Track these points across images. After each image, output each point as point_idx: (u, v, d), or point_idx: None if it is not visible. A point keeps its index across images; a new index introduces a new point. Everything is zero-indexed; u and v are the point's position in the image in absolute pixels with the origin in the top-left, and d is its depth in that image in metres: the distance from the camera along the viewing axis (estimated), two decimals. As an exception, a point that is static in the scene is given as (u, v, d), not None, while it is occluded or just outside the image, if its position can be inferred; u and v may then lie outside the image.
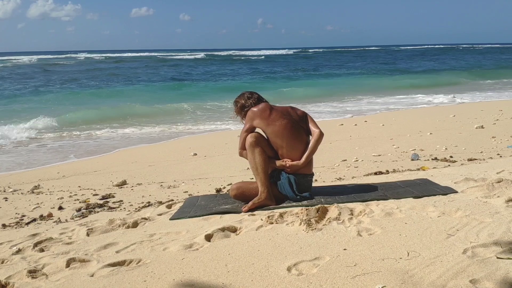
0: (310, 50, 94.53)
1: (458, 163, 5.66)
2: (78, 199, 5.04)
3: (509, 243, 2.34)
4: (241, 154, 3.78)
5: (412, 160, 6.09)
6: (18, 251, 2.98)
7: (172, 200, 4.53)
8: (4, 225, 4.11)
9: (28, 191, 5.60)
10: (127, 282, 2.29)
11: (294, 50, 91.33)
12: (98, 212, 4.39)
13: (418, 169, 5.23)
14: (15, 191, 5.66)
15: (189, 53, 75.29)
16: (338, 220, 2.96)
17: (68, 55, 78.52)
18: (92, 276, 2.41)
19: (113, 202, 4.81)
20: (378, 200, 3.43)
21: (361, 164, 6.04)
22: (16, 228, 4.00)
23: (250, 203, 3.52)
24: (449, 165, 5.48)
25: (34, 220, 4.27)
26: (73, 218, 4.22)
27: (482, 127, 8.63)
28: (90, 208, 4.54)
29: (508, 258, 2.14)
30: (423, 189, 3.69)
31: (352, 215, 3.06)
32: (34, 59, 55.20)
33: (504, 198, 3.13)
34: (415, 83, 21.77)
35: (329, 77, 28.32)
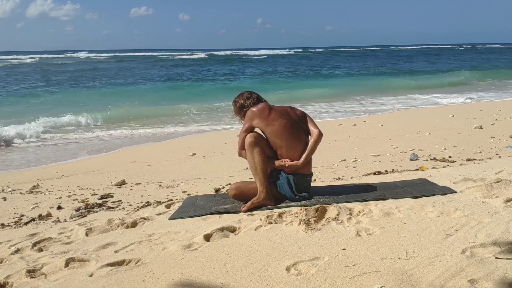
0: (311, 50, 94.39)
1: (457, 163, 5.66)
2: (77, 199, 5.03)
3: (508, 243, 2.34)
4: (240, 154, 3.78)
5: (411, 160, 6.09)
6: (17, 250, 2.98)
7: (171, 200, 4.53)
8: (2, 225, 4.10)
9: (27, 191, 5.59)
10: (126, 282, 2.29)
11: (295, 50, 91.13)
12: (97, 212, 4.39)
13: (417, 169, 5.24)
14: (13, 190, 5.65)
15: (190, 53, 75.20)
16: (337, 220, 2.96)
17: (68, 54, 78.48)
18: (91, 276, 2.41)
19: (112, 202, 4.80)
20: (377, 200, 3.43)
21: (360, 164, 6.04)
22: (15, 227, 3.99)
23: (249, 203, 3.52)
24: (448, 165, 5.48)
25: (33, 219, 4.26)
26: (72, 218, 4.22)
27: (481, 127, 8.64)
28: (89, 208, 4.54)
29: (507, 258, 2.14)
30: (422, 189, 3.69)
31: (351, 215, 3.06)
32: (36, 59, 55.10)
33: (502, 198, 3.14)
34: (428, 84, 21.59)
35: (337, 77, 28.22)
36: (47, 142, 10.09)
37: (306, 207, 3.16)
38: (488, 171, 4.30)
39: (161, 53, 77.87)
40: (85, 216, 4.23)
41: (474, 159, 5.81)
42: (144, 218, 3.58)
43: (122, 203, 4.75)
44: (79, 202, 4.89)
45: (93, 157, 8.24)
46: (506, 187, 3.37)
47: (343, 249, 2.46)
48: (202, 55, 64.24)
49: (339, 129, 9.74)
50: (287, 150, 3.66)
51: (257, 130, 3.74)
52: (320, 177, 5.30)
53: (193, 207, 3.75)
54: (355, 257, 2.34)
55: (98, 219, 3.78)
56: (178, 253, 2.64)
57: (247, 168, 5.62)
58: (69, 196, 5.21)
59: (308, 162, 3.70)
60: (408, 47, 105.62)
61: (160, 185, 5.58)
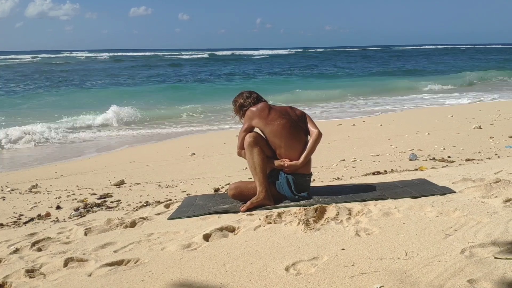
0: (311, 50, 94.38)
1: (456, 163, 5.66)
2: (76, 199, 5.03)
3: (507, 243, 2.34)
4: (239, 154, 3.78)
5: (410, 160, 6.09)
6: (16, 250, 2.98)
7: (170, 199, 4.53)
8: (1, 225, 4.10)
9: (26, 191, 5.59)
10: (125, 281, 2.28)
11: (296, 50, 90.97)
12: (96, 211, 4.39)
13: (416, 169, 5.24)
14: (12, 190, 5.64)
15: (192, 53, 75.16)
16: (336, 220, 2.96)
17: (66, 54, 78.47)
18: (90, 275, 2.41)
19: (111, 202, 4.80)
20: (376, 200, 3.43)
21: (359, 164, 6.04)
22: (13, 227, 3.99)
23: (248, 202, 3.52)
24: (447, 165, 5.48)
25: (32, 219, 4.26)
26: (71, 218, 4.22)
27: (480, 127, 8.64)
28: (88, 208, 4.53)
29: (506, 258, 2.14)
30: (421, 189, 3.69)
31: (350, 215, 3.06)
32: (39, 58, 55.07)
33: (502, 198, 3.14)
34: (434, 84, 21.37)
35: (343, 77, 28.08)
36: (67, 140, 10.29)
37: (305, 207, 3.16)
38: (487, 171, 4.31)
39: (162, 53, 77.77)
40: (84, 216, 4.22)
41: (473, 159, 5.82)
42: (143, 218, 3.57)
43: (121, 203, 4.75)
44: (78, 202, 4.89)
45: (93, 157, 8.24)
46: (505, 187, 3.38)
47: (342, 249, 2.46)
48: (204, 55, 64.15)
49: (339, 129, 9.75)
50: (287, 150, 3.66)
51: (256, 129, 3.74)
52: (320, 177, 5.30)
53: (192, 207, 3.75)
54: (354, 257, 2.34)
55: (97, 219, 3.77)
56: (177, 253, 2.64)
57: (246, 168, 5.62)
58: (68, 196, 5.21)
59: (307, 162, 3.70)
60: (408, 47, 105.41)
61: (159, 185, 5.57)
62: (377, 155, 6.59)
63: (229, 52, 73.38)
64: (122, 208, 4.51)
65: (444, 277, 2.02)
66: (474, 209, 2.98)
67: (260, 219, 3.10)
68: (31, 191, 5.55)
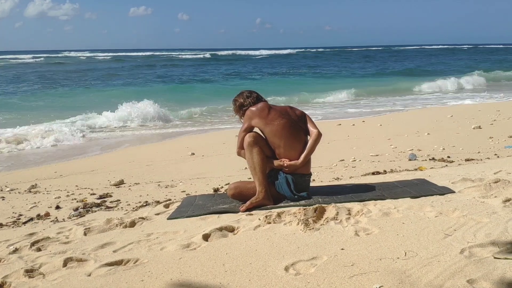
0: (312, 50, 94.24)
1: (455, 163, 5.67)
2: (75, 199, 5.03)
3: (506, 243, 2.34)
4: (239, 154, 3.78)
5: (410, 160, 6.10)
6: (15, 250, 2.97)
7: (170, 199, 4.52)
8: (1, 225, 4.09)
9: (25, 191, 5.58)
10: (125, 281, 2.28)
11: (297, 50, 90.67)
12: (95, 211, 4.38)
13: (416, 169, 5.24)
14: (12, 190, 5.64)
15: (195, 53, 75.09)
16: (336, 220, 2.96)
17: (66, 53, 78.47)
18: (89, 275, 2.41)
19: (110, 202, 4.80)
20: (375, 200, 3.43)
21: (359, 164, 6.05)
22: (13, 227, 3.99)
23: (248, 202, 3.51)
24: (446, 165, 5.49)
25: (31, 219, 4.25)
26: (70, 218, 4.22)
27: (479, 127, 8.65)
28: (87, 208, 4.53)
29: (505, 258, 2.14)
30: (420, 189, 3.69)
31: (350, 215, 3.06)
32: (41, 58, 55.13)
33: (501, 198, 3.14)
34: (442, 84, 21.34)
35: (352, 78, 27.82)
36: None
37: (305, 207, 3.16)
38: (487, 171, 4.31)
39: (162, 53, 77.67)
40: (84, 215, 4.22)
41: (473, 159, 5.82)
42: (143, 218, 3.57)
43: (120, 202, 4.75)
44: (77, 201, 4.88)
45: (92, 156, 8.23)
46: (505, 187, 3.38)
47: (342, 249, 2.46)
48: (206, 54, 64.04)
49: (338, 129, 9.75)
50: (286, 149, 3.66)
51: (256, 129, 3.74)
52: (319, 177, 5.30)
53: (192, 207, 3.75)
54: (354, 257, 2.34)
55: (97, 219, 3.77)
56: (177, 253, 2.64)
57: (246, 167, 5.62)
58: (67, 195, 5.20)
59: (307, 162, 3.70)
60: (409, 47, 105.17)
61: (159, 184, 5.57)
62: (377, 155, 6.60)
63: (229, 52, 73.29)
64: (121, 208, 4.51)
65: (443, 277, 2.02)
66: (473, 209, 2.98)
67: (259, 219, 3.10)
68: (30, 191, 5.55)
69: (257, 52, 72.98)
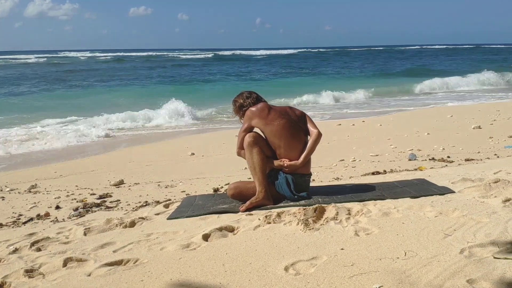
0: (314, 50, 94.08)
1: (455, 163, 5.67)
2: (75, 199, 5.03)
3: (506, 243, 2.34)
4: (239, 154, 3.78)
5: (410, 160, 6.10)
6: (15, 250, 2.97)
7: (170, 199, 4.52)
8: (1, 225, 4.09)
9: (25, 191, 5.58)
10: (124, 281, 2.28)
11: (299, 50, 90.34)
12: (95, 211, 4.38)
13: (416, 169, 5.24)
14: (12, 190, 5.64)
15: (196, 53, 74.99)
16: (336, 220, 2.96)
17: (66, 53, 78.52)
18: (89, 275, 2.41)
19: (110, 202, 4.80)
20: (375, 200, 3.43)
21: (359, 164, 6.05)
22: (13, 227, 3.99)
23: (248, 202, 3.51)
24: (446, 165, 5.49)
25: (31, 219, 4.26)
26: (70, 218, 4.22)
27: (479, 127, 8.65)
28: (87, 208, 4.53)
29: (505, 258, 2.14)
30: (420, 189, 3.69)
31: (350, 215, 3.06)
32: (45, 58, 55.23)
33: (501, 198, 3.14)
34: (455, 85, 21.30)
35: (363, 78, 27.39)
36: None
37: (304, 207, 3.16)
38: (487, 171, 4.31)
39: (164, 53, 77.56)
40: (84, 215, 4.22)
41: (473, 159, 5.82)
42: (143, 218, 3.57)
43: (120, 203, 4.75)
44: (77, 201, 4.88)
45: (92, 156, 8.23)
46: (505, 187, 3.38)
47: (342, 249, 2.46)
48: (210, 54, 63.89)
49: (338, 129, 9.75)
50: (286, 150, 3.66)
51: (256, 129, 3.74)
52: (319, 177, 5.30)
53: (192, 207, 3.75)
54: (354, 256, 2.34)
55: (97, 219, 3.77)
56: (177, 253, 2.64)
57: (245, 167, 5.62)
58: (67, 195, 5.20)
59: (307, 162, 3.70)
60: (410, 48, 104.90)
61: (159, 185, 5.57)
62: (377, 155, 6.60)
63: (230, 52, 73.11)
64: (121, 208, 4.51)
65: (443, 277, 2.02)
66: (473, 209, 2.98)
67: (259, 219, 3.10)
68: (30, 191, 5.55)
69: (258, 52, 72.77)
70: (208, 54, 66.81)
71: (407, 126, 9.61)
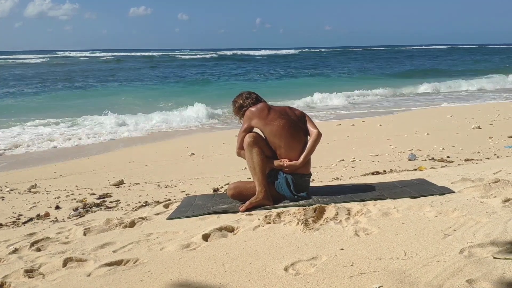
0: (315, 50, 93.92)
1: (455, 163, 5.67)
2: (75, 199, 5.03)
3: (506, 243, 2.34)
4: (239, 154, 3.78)
5: (409, 160, 6.10)
6: (15, 250, 2.97)
7: (170, 199, 4.52)
8: (0, 225, 4.09)
9: (25, 191, 5.58)
10: (124, 281, 2.28)
11: (301, 50, 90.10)
12: (95, 211, 4.38)
13: (415, 169, 5.24)
14: (11, 190, 5.64)
15: (195, 53, 74.89)
16: (335, 220, 2.96)
17: (66, 53, 78.57)
18: (89, 275, 2.41)
19: (110, 202, 4.80)
20: (375, 200, 3.43)
21: (359, 164, 6.05)
22: (12, 227, 3.99)
23: (247, 202, 3.52)
24: (446, 165, 5.49)
25: (31, 219, 4.25)
26: (70, 218, 4.22)
27: (479, 127, 8.65)
28: (87, 208, 4.53)
29: (505, 258, 2.14)
30: (420, 189, 3.70)
31: (349, 215, 3.06)
32: (47, 59, 55.29)
33: (501, 198, 3.14)
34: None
35: (375, 78, 27.16)
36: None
37: (304, 207, 3.16)
38: (487, 171, 4.31)
39: (166, 53, 77.45)
40: (83, 216, 4.22)
41: (473, 159, 5.82)
42: (142, 218, 3.57)
43: (120, 203, 4.75)
44: (77, 201, 4.88)
45: (92, 156, 8.23)
46: (504, 187, 3.38)
47: (342, 249, 2.46)
48: (213, 54, 63.68)
49: (338, 129, 9.75)
50: (286, 150, 3.66)
51: (256, 130, 3.74)
52: (319, 177, 5.30)
53: (192, 207, 3.75)
54: (354, 257, 2.34)
55: (96, 219, 3.77)
56: (176, 253, 2.64)
57: (245, 168, 5.62)
58: (67, 195, 5.20)
59: (306, 162, 3.70)
60: (413, 47, 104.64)
61: (159, 185, 5.57)
62: (376, 155, 6.60)
63: (231, 52, 72.91)
64: (121, 208, 4.51)
65: (443, 277, 2.02)
66: (473, 209, 2.98)
67: (259, 219, 3.10)
68: (30, 191, 5.55)
69: (260, 52, 72.52)
70: (209, 54, 66.62)
71: (407, 126, 9.61)
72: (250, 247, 2.64)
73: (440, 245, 2.41)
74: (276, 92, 17.88)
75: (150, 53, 73.52)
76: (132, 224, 3.42)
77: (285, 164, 3.64)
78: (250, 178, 3.83)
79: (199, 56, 62.06)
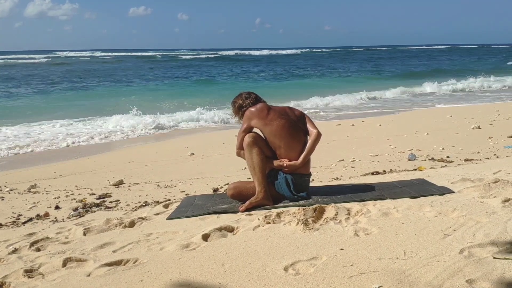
0: (317, 50, 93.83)
1: (455, 163, 5.67)
2: (74, 199, 5.02)
3: (506, 243, 2.34)
4: (238, 154, 3.78)
5: (409, 160, 6.10)
6: (15, 250, 2.97)
7: (169, 199, 4.52)
8: (0, 225, 4.09)
9: (25, 191, 5.58)
10: (124, 281, 2.28)
11: (302, 50, 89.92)
12: (95, 211, 4.38)
13: (415, 169, 5.24)
14: (11, 190, 5.64)
15: (196, 53, 74.79)
16: (335, 220, 2.96)
17: (66, 53, 78.56)
18: (89, 275, 2.41)
19: (110, 202, 4.80)
20: (375, 200, 3.43)
21: (358, 164, 6.05)
22: (12, 227, 3.99)
23: (247, 202, 3.52)
24: (446, 165, 5.49)
25: (31, 219, 4.25)
26: (69, 218, 4.21)
27: (479, 127, 8.65)
28: (86, 208, 4.53)
29: (505, 258, 2.14)
30: (420, 189, 3.70)
31: (349, 215, 3.06)
32: (49, 58, 55.31)
33: (500, 198, 3.14)
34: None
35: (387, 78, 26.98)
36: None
37: (304, 207, 3.16)
38: (486, 171, 4.31)
39: (167, 53, 77.38)
40: (83, 216, 4.22)
41: (472, 159, 5.83)
42: (142, 218, 3.57)
43: (120, 203, 4.74)
44: (77, 201, 4.88)
45: (92, 156, 8.22)
46: (504, 187, 3.38)
47: (341, 249, 2.46)
48: (216, 54, 63.57)
49: (338, 129, 9.75)
50: (286, 150, 3.66)
51: (255, 130, 3.74)
52: (319, 177, 5.30)
53: (191, 207, 3.75)
54: (353, 257, 2.34)
55: (96, 219, 3.77)
56: (176, 253, 2.64)
57: (245, 168, 5.61)
58: (67, 195, 5.20)
59: (306, 162, 3.70)
60: (413, 48, 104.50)
61: (158, 185, 5.57)
62: (376, 155, 6.60)
63: (232, 52, 72.76)
64: (121, 208, 4.51)
65: (442, 277, 2.02)
66: (473, 209, 2.98)
67: (259, 219, 3.10)
68: (30, 191, 5.54)
69: (262, 52, 72.34)
70: (210, 54, 66.52)
71: (406, 126, 9.61)
72: (250, 247, 2.64)
73: (440, 245, 2.41)
74: (289, 93, 17.94)
75: (151, 53, 73.43)
76: (132, 224, 3.42)
77: (285, 164, 3.64)
78: (249, 178, 3.83)
79: (201, 56, 61.98)
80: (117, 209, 4.48)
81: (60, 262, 2.59)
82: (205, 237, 2.85)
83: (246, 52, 76.66)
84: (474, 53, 65.82)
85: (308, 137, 3.75)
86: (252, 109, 3.73)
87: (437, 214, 2.96)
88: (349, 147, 7.47)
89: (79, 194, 5.27)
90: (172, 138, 10.24)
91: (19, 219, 4.31)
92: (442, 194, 3.48)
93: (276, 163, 3.67)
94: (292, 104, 13.41)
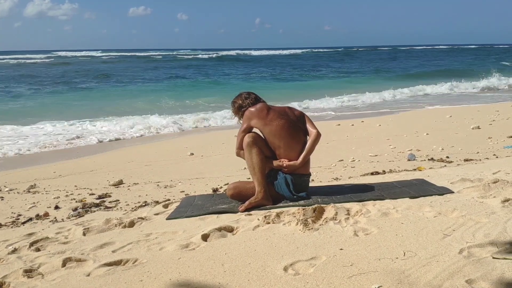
0: (319, 50, 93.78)
1: (454, 163, 5.67)
2: (74, 199, 5.02)
3: (505, 243, 2.35)
4: (238, 154, 3.78)
5: (409, 160, 6.10)
6: (14, 250, 2.97)
7: (169, 199, 4.52)
8: (0, 225, 4.09)
9: (24, 191, 5.58)
10: (123, 281, 2.28)
11: (303, 50, 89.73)
12: (94, 211, 4.38)
13: (415, 169, 5.24)
14: (11, 190, 5.63)
15: (196, 53, 74.75)
16: (335, 220, 2.96)
17: (65, 53, 78.55)
18: (88, 275, 2.41)
19: (109, 202, 4.79)
20: (374, 200, 3.43)
21: (358, 164, 6.05)
22: (12, 227, 3.98)
23: (247, 202, 3.52)
24: (445, 166, 5.49)
25: (30, 219, 4.25)
26: (69, 218, 4.21)
27: (478, 127, 8.65)
28: (86, 208, 4.53)
29: (504, 258, 2.14)
30: (419, 189, 3.70)
31: (349, 215, 3.07)
32: (52, 59, 55.28)
33: (500, 199, 3.14)
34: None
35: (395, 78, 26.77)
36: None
37: (304, 207, 3.16)
38: (486, 171, 4.31)
39: (168, 53, 77.30)
40: (83, 216, 4.22)
41: (472, 160, 5.83)
42: (142, 218, 3.57)
43: (119, 203, 4.74)
44: (76, 201, 4.88)
45: (91, 156, 8.22)
46: (504, 188, 3.38)
47: (341, 249, 2.46)
48: (219, 55, 63.43)
49: (337, 129, 9.75)
50: (286, 150, 3.66)
51: (255, 130, 3.74)
52: (318, 177, 5.30)
53: (191, 207, 3.75)
54: (353, 257, 2.34)
55: (96, 219, 3.77)
56: (176, 253, 2.64)
57: (245, 168, 5.61)
58: (66, 195, 5.20)
59: (306, 162, 3.70)
60: (414, 48, 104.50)
61: (158, 185, 5.57)
62: (376, 155, 6.60)
63: (233, 52, 72.63)
64: (120, 208, 4.51)
65: (442, 277, 2.03)
66: (472, 209, 2.99)
67: (258, 219, 3.10)
68: (29, 191, 5.54)
69: (259, 52, 72.32)
70: (211, 54, 66.41)
71: (406, 126, 9.61)
72: (249, 247, 2.64)
73: (440, 245, 2.41)
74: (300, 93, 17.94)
75: (151, 53, 73.33)
76: (132, 224, 3.42)
77: (285, 164, 3.64)
78: (249, 178, 3.83)
79: (201, 56, 61.89)
80: (117, 209, 4.48)
81: (60, 262, 2.59)
82: (205, 237, 2.85)
83: (246, 52, 76.55)
84: (474, 53, 65.84)
85: (308, 137, 3.75)
86: (252, 109, 3.73)
87: (436, 214, 2.96)
88: (348, 147, 7.47)
89: (79, 194, 5.27)
90: (171, 138, 10.23)
91: (18, 219, 4.31)
92: (442, 194, 3.48)
93: (275, 163, 3.67)
94: (291, 104, 13.41)
